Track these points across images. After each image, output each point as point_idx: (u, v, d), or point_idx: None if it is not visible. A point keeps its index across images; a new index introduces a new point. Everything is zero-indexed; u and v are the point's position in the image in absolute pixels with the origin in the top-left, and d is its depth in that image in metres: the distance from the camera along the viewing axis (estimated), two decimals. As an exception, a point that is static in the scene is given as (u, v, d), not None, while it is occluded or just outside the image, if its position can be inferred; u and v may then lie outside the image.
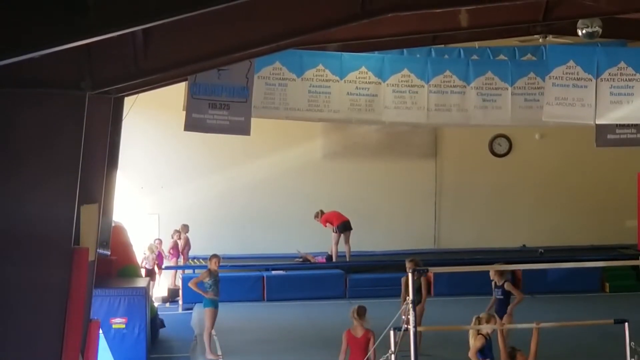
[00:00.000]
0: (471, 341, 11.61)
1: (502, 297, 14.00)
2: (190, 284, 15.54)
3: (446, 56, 17.22)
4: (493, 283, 14.27)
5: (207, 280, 15.40)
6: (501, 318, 13.40)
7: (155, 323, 17.18)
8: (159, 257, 21.84)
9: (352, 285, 21.40)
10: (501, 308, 13.93)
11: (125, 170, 18.91)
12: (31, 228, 8.10)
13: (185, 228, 21.97)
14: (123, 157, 16.11)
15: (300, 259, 22.11)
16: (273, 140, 22.58)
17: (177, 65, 9.62)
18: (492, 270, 14.33)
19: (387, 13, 9.24)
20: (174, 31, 8.67)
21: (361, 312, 11.94)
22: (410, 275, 11.21)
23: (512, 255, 22.47)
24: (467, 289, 20.54)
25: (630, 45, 16.81)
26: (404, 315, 11.21)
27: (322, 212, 21.77)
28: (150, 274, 20.12)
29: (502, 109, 16.33)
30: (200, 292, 15.42)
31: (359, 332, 11.93)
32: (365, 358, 11.68)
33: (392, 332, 11.27)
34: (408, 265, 14.29)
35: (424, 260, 20.77)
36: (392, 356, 11.20)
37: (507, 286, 14.00)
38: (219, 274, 15.72)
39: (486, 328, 11.49)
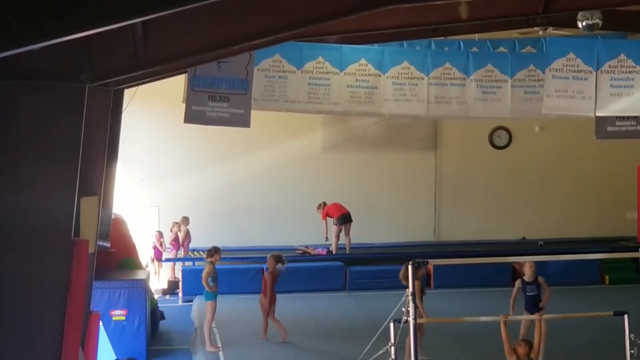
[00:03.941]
0: None
1: (536, 292, 13.48)
2: (204, 283, 15.46)
3: (446, 48, 17.20)
4: (521, 281, 13.75)
5: (213, 274, 15.44)
6: (532, 314, 12.82)
7: (156, 315, 17.19)
8: (156, 250, 21.85)
9: (352, 277, 21.41)
10: (535, 305, 13.38)
11: (125, 162, 18.91)
12: (31, 220, 8.10)
13: (186, 220, 21.98)
14: (123, 149, 16.11)
15: (300, 252, 22.12)
16: (273, 133, 22.58)
17: (176, 58, 9.62)
18: (528, 264, 13.72)
19: (386, 5, 9.23)
20: (174, 23, 8.67)
21: (274, 260, 16.14)
22: (410, 268, 11.19)
23: (512, 247, 22.48)
24: (467, 281, 20.60)
25: (631, 37, 16.79)
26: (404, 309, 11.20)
27: (324, 204, 21.78)
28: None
29: (502, 101, 16.32)
30: (208, 288, 15.43)
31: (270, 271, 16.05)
32: None
33: (392, 325, 11.27)
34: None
35: (424, 252, 20.91)
36: (392, 348, 11.21)
37: (542, 280, 13.68)
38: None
39: (486, 319, 11.51)
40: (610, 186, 23.97)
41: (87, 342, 11.02)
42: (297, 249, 22.13)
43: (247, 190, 23.08)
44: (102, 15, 5.85)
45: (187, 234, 22.01)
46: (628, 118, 15.86)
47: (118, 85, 12.42)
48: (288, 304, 18.89)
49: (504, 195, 24.08)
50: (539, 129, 24.06)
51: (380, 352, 11.49)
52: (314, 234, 22.17)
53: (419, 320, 11.18)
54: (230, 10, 8.84)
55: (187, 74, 14.74)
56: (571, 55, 14.95)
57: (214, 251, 15.74)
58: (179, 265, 21.98)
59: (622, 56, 14.92)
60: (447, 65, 16.27)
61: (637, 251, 13.55)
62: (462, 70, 16.23)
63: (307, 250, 22.08)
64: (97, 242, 12.59)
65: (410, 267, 11.16)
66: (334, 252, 21.82)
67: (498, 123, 23.69)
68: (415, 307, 11.04)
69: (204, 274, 15.53)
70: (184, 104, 14.98)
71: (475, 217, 23.88)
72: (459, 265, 20.15)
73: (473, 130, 23.72)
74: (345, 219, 21.58)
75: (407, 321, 11.02)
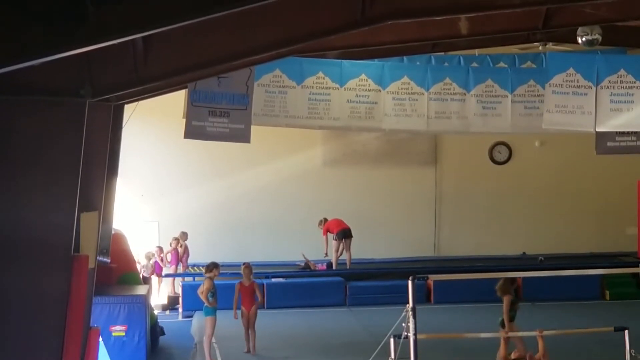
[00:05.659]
0: None
1: None
2: (204, 298, 15.47)
3: (446, 64, 17.23)
4: None
5: (212, 289, 15.43)
6: None
7: (155, 330, 17.15)
8: (157, 265, 21.81)
9: (352, 292, 21.37)
10: None
11: (125, 177, 18.88)
12: (31, 235, 8.09)
13: (184, 235, 21.96)
14: (123, 164, 16.11)
15: (302, 265, 22.08)
16: (273, 148, 22.58)
17: (177, 73, 9.63)
18: None
19: (386, 20, 9.25)
20: (174, 39, 8.68)
21: (248, 270, 16.40)
22: (410, 282, 11.18)
23: (512, 263, 22.43)
24: (467, 296, 20.53)
25: (630, 52, 16.81)
26: None
27: (325, 220, 21.76)
28: (146, 281, 20.03)
29: (502, 117, 16.33)
30: (208, 303, 15.41)
31: (247, 283, 16.31)
32: None
33: (392, 340, 11.25)
34: None
35: (424, 267, 20.90)
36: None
37: None
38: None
39: (487, 335, 11.50)
40: (611, 201, 23.95)
41: (87, 358, 10.99)
42: (301, 260, 22.05)
43: (247, 206, 23.07)
44: (103, 31, 5.87)
45: (186, 249, 21.99)
46: (628, 133, 15.86)
47: (118, 100, 12.44)
48: (288, 319, 18.89)
49: (504, 211, 24.06)
50: (539, 144, 24.07)
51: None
52: (314, 249, 22.14)
53: (422, 336, 11.13)
54: (230, 26, 8.86)
55: (187, 89, 14.75)
56: (571, 70, 14.97)
57: (212, 267, 15.75)
58: (179, 280, 21.94)
59: (622, 71, 14.94)
60: (447, 80, 16.29)
61: (638, 266, 13.54)
62: (462, 86, 16.25)
63: (309, 263, 22.01)
64: (97, 258, 12.58)
65: (410, 281, 11.14)
66: (334, 267, 21.80)
67: (498, 138, 23.70)
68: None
69: (202, 290, 15.52)
70: (184, 119, 14.99)
71: (476, 232, 23.85)
72: (459, 281, 20.10)
73: (473, 146, 23.73)
74: (345, 234, 21.55)
75: (407, 337, 11.00)
